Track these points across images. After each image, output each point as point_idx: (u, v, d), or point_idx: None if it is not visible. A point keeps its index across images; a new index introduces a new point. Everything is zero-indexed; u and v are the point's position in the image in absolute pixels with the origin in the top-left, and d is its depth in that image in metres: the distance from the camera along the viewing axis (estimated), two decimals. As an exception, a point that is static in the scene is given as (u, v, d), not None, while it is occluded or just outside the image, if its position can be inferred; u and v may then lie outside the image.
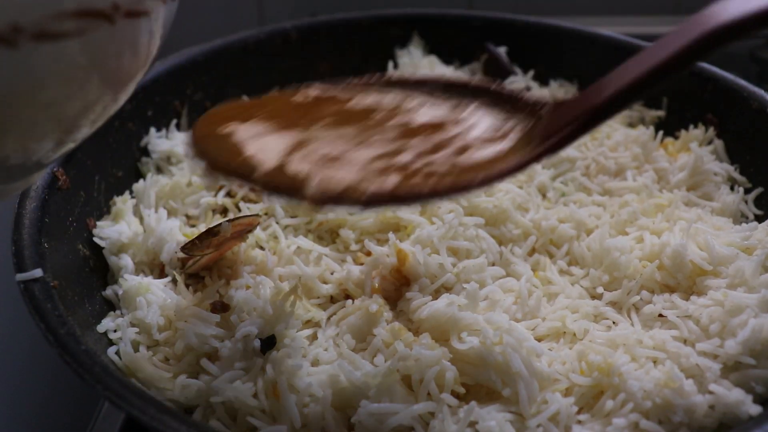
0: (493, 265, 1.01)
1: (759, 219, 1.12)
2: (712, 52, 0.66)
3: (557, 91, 1.44)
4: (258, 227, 1.04)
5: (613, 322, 0.93)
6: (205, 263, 0.97)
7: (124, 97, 0.63)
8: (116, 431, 1.03)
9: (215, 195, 1.12)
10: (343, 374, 0.83)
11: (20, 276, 0.85)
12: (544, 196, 1.14)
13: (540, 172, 1.16)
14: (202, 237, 0.95)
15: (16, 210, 0.93)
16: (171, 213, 1.11)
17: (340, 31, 1.48)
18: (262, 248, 1.03)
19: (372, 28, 1.49)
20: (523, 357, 0.83)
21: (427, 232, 1.00)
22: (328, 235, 1.09)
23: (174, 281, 0.98)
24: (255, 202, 1.11)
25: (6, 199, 0.67)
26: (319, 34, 1.46)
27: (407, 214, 1.04)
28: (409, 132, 0.75)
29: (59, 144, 0.60)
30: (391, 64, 1.47)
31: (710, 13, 0.66)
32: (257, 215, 1.04)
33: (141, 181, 1.15)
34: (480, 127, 0.77)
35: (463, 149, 0.73)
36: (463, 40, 1.50)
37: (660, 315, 0.92)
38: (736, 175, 1.20)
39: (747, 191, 1.16)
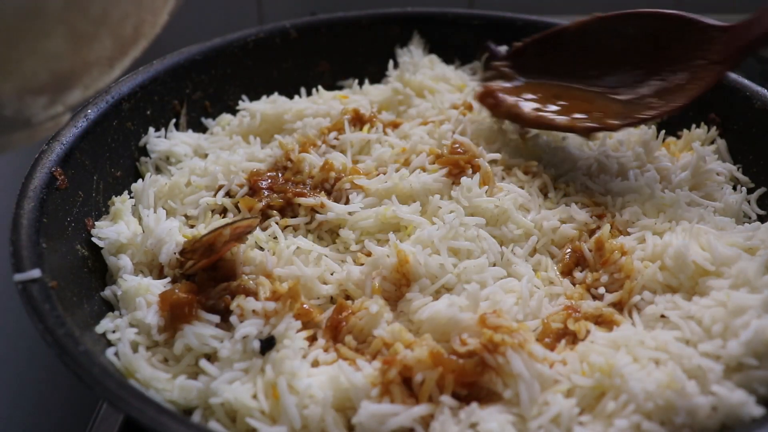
0: (494, 265, 1.00)
1: (762, 219, 1.12)
2: None
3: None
4: (257, 227, 1.03)
5: (615, 323, 0.92)
6: (204, 264, 0.97)
7: (121, 66, 0.64)
8: (115, 432, 1.03)
9: (214, 195, 1.12)
10: (343, 375, 0.82)
11: (18, 276, 0.85)
12: (545, 196, 1.13)
13: (541, 172, 1.16)
14: (199, 243, 0.95)
15: (14, 210, 0.93)
16: (170, 213, 1.11)
17: (340, 30, 1.47)
18: (261, 249, 1.03)
19: (372, 27, 1.48)
20: (524, 358, 0.82)
21: (427, 232, 1.00)
22: (328, 236, 1.08)
23: (173, 282, 0.98)
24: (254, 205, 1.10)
25: None
26: (319, 33, 1.46)
27: (407, 214, 1.04)
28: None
29: (51, 102, 0.61)
30: (391, 63, 1.46)
31: None
32: (255, 217, 1.03)
33: (140, 180, 1.15)
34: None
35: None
36: (464, 39, 1.50)
37: (662, 315, 0.92)
38: (739, 175, 1.19)
39: (750, 191, 1.15)
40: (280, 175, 1.15)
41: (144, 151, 1.23)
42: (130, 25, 0.59)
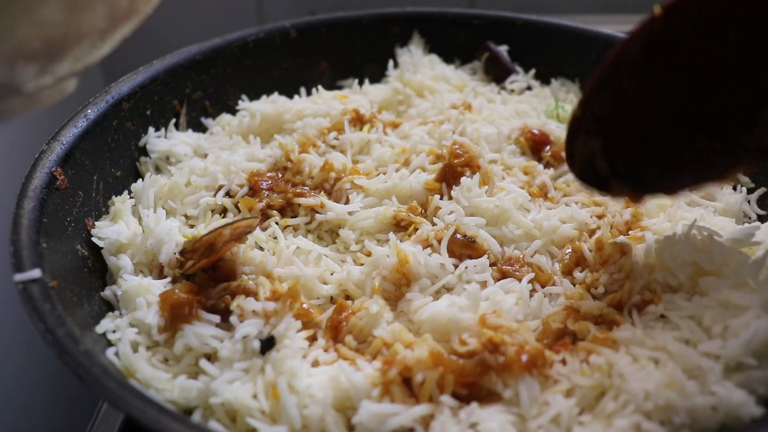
0: (495, 265, 1.00)
1: (762, 219, 1.12)
2: None
3: (558, 89, 1.44)
4: (257, 227, 1.03)
5: (615, 323, 0.92)
6: (204, 264, 0.97)
7: (111, 41, 0.64)
8: (115, 432, 1.03)
9: (214, 195, 1.12)
10: (343, 375, 0.82)
11: (19, 276, 0.85)
12: (545, 196, 1.13)
13: (541, 171, 1.16)
14: (199, 243, 0.95)
15: (14, 210, 0.93)
16: (170, 213, 1.11)
17: (340, 30, 1.47)
18: (261, 249, 1.03)
19: (372, 26, 1.48)
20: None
21: (428, 232, 1.00)
22: (328, 236, 1.08)
23: (173, 282, 0.98)
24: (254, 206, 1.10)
25: None
26: (319, 32, 1.46)
27: (408, 214, 1.04)
28: None
29: (41, 71, 0.61)
30: (391, 63, 1.46)
31: None
32: (255, 217, 1.03)
33: (140, 180, 1.15)
34: None
35: None
36: (464, 38, 1.50)
37: (662, 315, 0.92)
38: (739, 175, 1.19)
39: (750, 191, 1.15)
40: (280, 175, 1.15)
41: (144, 151, 1.23)
42: None
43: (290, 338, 0.87)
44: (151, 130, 1.24)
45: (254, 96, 1.39)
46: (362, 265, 1.00)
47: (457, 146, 1.12)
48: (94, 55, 0.63)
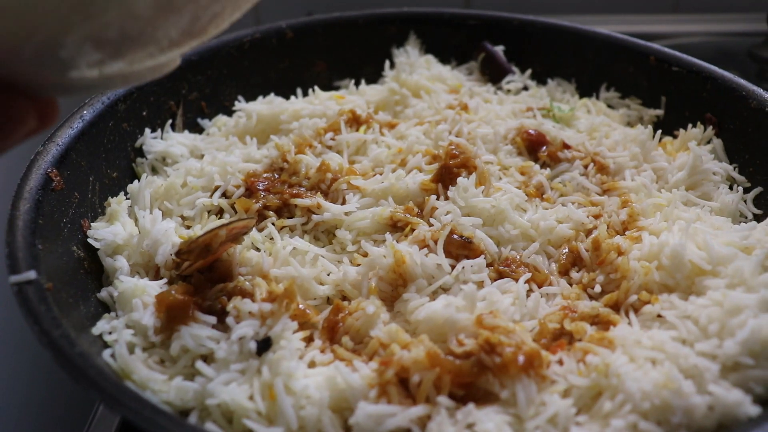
0: (492, 265, 1.00)
1: (758, 218, 1.12)
2: None
3: (555, 89, 1.44)
4: (254, 228, 1.03)
5: (612, 323, 0.92)
6: (200, 265, 0.96)
7: (165, 56, 0.62)
8: (112, 434, 1.03)
9: (211, 196, 1.11)
10: (340, 376, 0.82)
11: (14, 278, 0.85)
12: (542, 196, 1.13)
13: (538, 171, 1.16)
14: (196, 244, 0.95)
15: (9, 211, 0.93)
16: (166, 214, 1.11)
17: (336, 30, 1.47)
18: (258, 249, 1.03)
19: (368, 27, 1.48)
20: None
21: (424, 232, 1.00)
22: (325, 236, 1.08)
23: (169, 283, 0.98)
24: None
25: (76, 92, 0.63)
26: (315, 33, 1.46)
27: (404, 215, 1.04)
28: None
29: (98, 63, 0.59)
30: (387, 64, 1.46)
31: None
32: (252, 218, 1.03)
33: (136, 181, 1.14)
34: None
35: None
36: (460, 38, 1.50)
37: (658, 315, 0.92)
38: (735, 175, 1.19)
39: (746, 191, 1.16)
40: (276, 176, 1.15)
41: (140, 152, 1.23)
42: (211, 12, 0.59)
43: (287, 339, 0.87)
44: (147, 130, 1.23)
45: (250, 96, 1.38)
46: (359, 265, 0.99)
47: (453, 146, 1.12)
48: (144, 63, 0.61)
